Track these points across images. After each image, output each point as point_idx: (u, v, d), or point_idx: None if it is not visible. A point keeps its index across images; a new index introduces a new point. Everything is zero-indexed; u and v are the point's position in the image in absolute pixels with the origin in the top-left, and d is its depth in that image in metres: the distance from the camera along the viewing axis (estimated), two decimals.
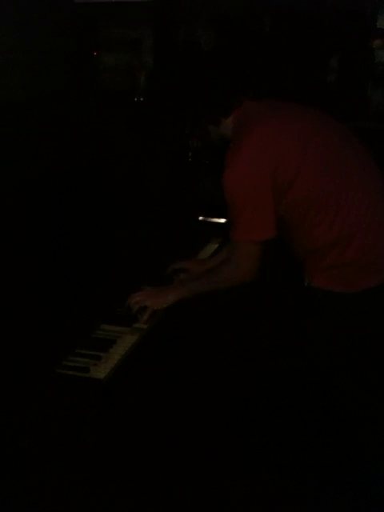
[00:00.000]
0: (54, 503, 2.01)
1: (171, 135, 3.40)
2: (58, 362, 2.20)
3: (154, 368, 2.42)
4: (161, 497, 2.33)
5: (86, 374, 2.16)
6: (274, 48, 4.98)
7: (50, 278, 2.30)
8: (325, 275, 2.39)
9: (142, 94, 4.87)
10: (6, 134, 2.63)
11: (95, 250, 2.60)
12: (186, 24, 5.30)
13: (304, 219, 2.37)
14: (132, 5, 5.31)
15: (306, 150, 2.32)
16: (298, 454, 2.49)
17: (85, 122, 3.17)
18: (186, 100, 2.53)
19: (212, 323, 2.55)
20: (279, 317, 2.53)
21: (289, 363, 2.43)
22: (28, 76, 3.93)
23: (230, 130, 2.49)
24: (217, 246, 3.38)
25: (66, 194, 2.48)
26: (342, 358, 2.38)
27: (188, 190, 3.71)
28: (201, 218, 3.74)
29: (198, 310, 2.59)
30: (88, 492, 2.09)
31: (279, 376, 2.45)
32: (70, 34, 4.62)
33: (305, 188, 2.32)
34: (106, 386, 2.12)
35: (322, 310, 2.41)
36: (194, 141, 2.60)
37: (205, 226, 3.70)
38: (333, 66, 5.00)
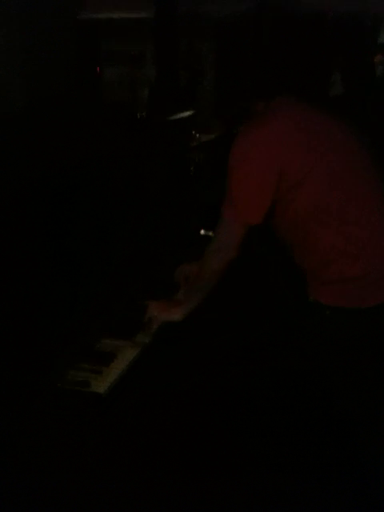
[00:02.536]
0: None
1: (173, 149, 3.44)
2: (58, 376, 2.20)
3: (155, 376, 2.42)
4: (161, 500, 2.33)
5: (87, 388, 2.15)
6: (274, 61, 5.01)
7: (50, 292, 2.29)
8: (331, 290, 2.35)
9: (144, 108, 4.91)
10: (7, 135, 2.65)
11: (96, 264, 2.59)
12: (186, 36, 5.35)
13: (309, 226, 2.33)
14: (134, 21, 5.37)
15: (326, 158, 2.30)
16: (298, 454, 2.49)
17: (85, 133, 3.20)
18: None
19: (212, 324, 2.55)
20: (280, 319, 2.53)
21: (289, 363, 2.42)
22: (30, 90, 3.97)
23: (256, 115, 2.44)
24: None
25: (65, 205, 2.46)
26: (342, 359, 2.38)
27: (189, 203, 3.72)
28: (202, 231, 3.74)
29: (198, 310, 2.58)
30: (90, 503, 2.09)
31: (279, 376, 2.44)
32: (73, 50, 4.66)
33: (314, 191, 2.29)
34: (107, 400, 2.12)
35: (326, 326, 2.37)
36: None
37: (206, 239, 3.69)
38: (335, 81, 5.04)
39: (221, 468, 2.49)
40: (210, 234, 3.70)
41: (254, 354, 2.51)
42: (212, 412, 2.51)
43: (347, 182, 2.33)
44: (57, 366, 2.21)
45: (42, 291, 2.25)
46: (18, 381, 2.00)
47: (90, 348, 2.40)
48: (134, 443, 2.31)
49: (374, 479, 2.38)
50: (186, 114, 3.74)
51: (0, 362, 1.98)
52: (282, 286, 2.47)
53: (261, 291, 2.58)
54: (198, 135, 4.38)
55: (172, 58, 5.11)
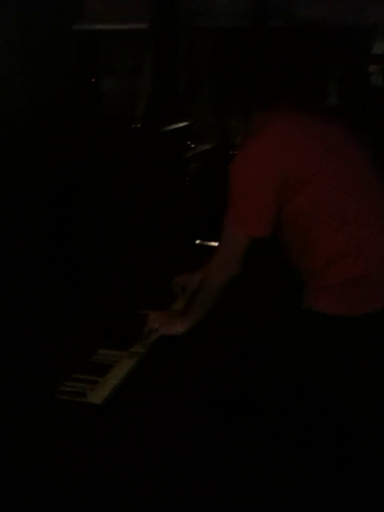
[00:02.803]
0: None
1: (169, 159, 3.45)
2: (54, 387, 2.19)
3: (154, 381, 2.42)
4: (161, 502, 2.33)
5: (83, 398, 2.14)
6: (271, 71, 5.03)
7: (45, 302, 2.28)
8: (327, 295, 2.33)
9: (140, 120, 4.92)
10: (7, 134, 2.65)
11: (93, 274, 2.59)
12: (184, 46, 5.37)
13: (309, 226, 2.32)
14: (132, 32, 5.39)
15: (327, 158, 2.31)
16: (298, 454, 2.48)
17: (80, 142, 3.20)
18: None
19: (212, 324, 2.54)
20: (280, 319, 2.52)
21: (289, 363, 2.42)
22: (29, 93, 3.99)
23: (257, 123, 2.42)
24: None
25: (59, 217, 2.43)
26: (342, 359, 2.38)
27: (185, 213, 3.72)
28: (198, 241, 3.75)
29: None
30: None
31: (279, 376, 2.44)
32: (69, 61, 4.68)
33: (315, 191, 2.29)
34: (103, 411, 2.11)
35: (319, 332, 2.36)
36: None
37: (202, 249, 3.69)
38: (331, 91, 5.07)
39: (221, 468, 2.49)
40: (206, 243, 3.72)
41: (254, 354, 2.50)
42: (212, 412, 2.51)
43: (348, 182, 2.33)
44: (53, 376, 2.20)
45: (37, 302, 2.24)
46: (13, 391, 1.99)
47: (86, 359, 2.40)
48: (133, 448, 2.31)
49: (374, 479, 2.38)
50: (182, 124, 3.75)
51: None
52: (282, 286, 2.46)
53: (261, 291, 2.58)
54: (193, 145, 4.40)
55: (170, 69, 5.13)
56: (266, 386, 2.47)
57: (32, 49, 3.97)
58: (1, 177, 2.25)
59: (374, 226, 2.34)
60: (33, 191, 2.31)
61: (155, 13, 5.07)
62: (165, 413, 2.46)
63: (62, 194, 2.46)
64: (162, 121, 3.80)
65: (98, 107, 5.30)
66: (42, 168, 2.47)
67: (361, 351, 2.34)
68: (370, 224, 2.33)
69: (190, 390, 2.49)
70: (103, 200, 2.75)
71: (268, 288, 2.61)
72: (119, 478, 2.22)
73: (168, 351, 2.52)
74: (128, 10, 5.12)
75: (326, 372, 2.39)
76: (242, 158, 2.34)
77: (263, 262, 2.46)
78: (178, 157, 3.76)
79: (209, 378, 2.51)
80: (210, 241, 3.67)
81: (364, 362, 2.36)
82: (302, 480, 2.45)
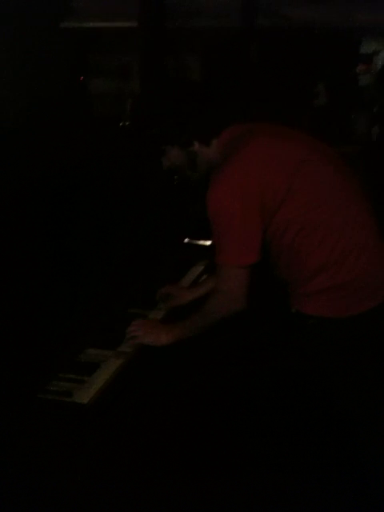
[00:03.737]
0: None
1: (157, 158, 3.43)
2: (40, 386, 2.17)
3: (148, 380, 2.41)
4: (160, 501, 2.32)
5: (69, 398, 2.13)
6: (261, 75, 5.06)
7: (33, 301, 2.27)
8: (314, 300, 2.35)
9: (127, 119, 4.91)
10: (8, 132, 2.64)
11: (79, 276, 2.57)
12: (173, 52, 5.37)
13: (292, 242, 2.33)
14: (121, 31, 5.38)
15: (297, 173, 2.30)
16: (298, 454, 2.49)
17: (69, 141, 3.18)
18: (176, 121, 2.45)
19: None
20: (280, 320, 2.52)
21: (289, 363, 2.42)
22: (22, 98, 3.98)
23: (218, 153, 2.45)
24: (202, 268, 3.34)
25: (48, 223, 2.44)
26: (340, 358, 2.38)
27: (173, 212, 3.71)
28: (186, 240, 3.74)
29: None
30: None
31: (279, 376, 2.44)
32: (58, 60, 4.67)
33: (294, 210, 2.30)
34: (90, 411, 2.10)
35: (320, 334, 2.38)
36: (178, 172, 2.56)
37: (190, 248, 3.69)
38: (319, 91, 5.09)
39: (221, 468, 2.48)
40: (195, 242, 3.71)
41: (253, 354, 2.50)
42: (212, 412, 2.50)
43: (327, 194, 2.34)
44: (39, 375, 2.19)
45: (24, 301, 2.22)
46: None
47: (72, 358, 2.38)
48: (125, 450, 2.31)
49: (374, 479, 2.39)
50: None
51: None
52: (281, 286, 2.47)
53: (260, 291, 2.58)
54: None
55: (157, 71, 5.11)
56: (265, 386, 2.46)
57: (24, 46, 3.97)
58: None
59: (356, 235, 2.35)
60: (29, 188, 2.30)
61: (143, 13, 5.06)
62: (160, 412, 2.46)
63: (54, 191, 2.45)
64: (149, 120, 3.78)
65: (87, 105, 5.30)
66: (40, 167, 2.45)
67: (360, 350, 2.35)
68: (352, 233, 2.34)
69: (188, 391, 2.49)
70: (91, 199, 2.73)
71: (268, 288, 2.61)
72: (111, 479, 2.21)
73: (163, 350, 2.50)
74: (117, 8, 5.12)
75: (326, 372, 2.39)
76: (217, 194, 2.32)
77: (263, 262, 2.45)
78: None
79: (207, 377, 2.51)
80: (199, 239, 3.67)
81: (363, 361, 2.37)
82: (302, 480, 2.46)
